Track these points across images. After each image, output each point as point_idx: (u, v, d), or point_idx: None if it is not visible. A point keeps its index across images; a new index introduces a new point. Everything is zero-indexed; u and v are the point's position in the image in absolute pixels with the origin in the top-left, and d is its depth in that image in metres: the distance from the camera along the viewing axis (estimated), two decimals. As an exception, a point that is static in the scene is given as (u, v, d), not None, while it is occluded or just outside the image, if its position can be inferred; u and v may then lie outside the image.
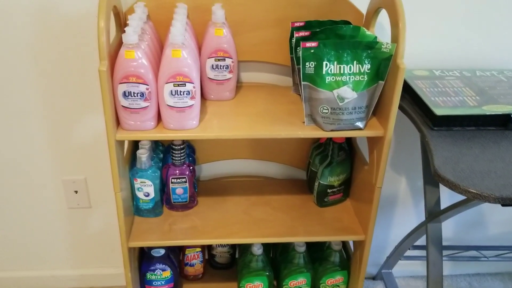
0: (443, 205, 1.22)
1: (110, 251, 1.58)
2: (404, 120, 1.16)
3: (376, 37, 1.06)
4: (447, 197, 1.31)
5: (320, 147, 1.32)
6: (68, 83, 1.28)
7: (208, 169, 1.43)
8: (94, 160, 1.39)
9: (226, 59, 1.13)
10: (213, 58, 1.12)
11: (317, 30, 1.08)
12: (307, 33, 1.08)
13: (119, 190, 1.07)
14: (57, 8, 1.18)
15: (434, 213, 1.21)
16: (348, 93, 1.02)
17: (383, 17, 1.09)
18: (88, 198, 1.47)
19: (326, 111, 1.03)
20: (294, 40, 1.10)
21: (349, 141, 1.31)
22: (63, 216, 1.50)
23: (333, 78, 1.01)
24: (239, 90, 1.24)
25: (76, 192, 1.45)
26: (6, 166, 1.40)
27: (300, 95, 1.18)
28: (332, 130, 1.05)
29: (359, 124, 1.06)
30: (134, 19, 1.01)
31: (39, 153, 1.38)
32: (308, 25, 1.13)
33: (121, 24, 1.11)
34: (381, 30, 1.20)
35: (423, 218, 1.26)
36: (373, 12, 1.13)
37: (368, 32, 1.08)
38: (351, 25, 1.10)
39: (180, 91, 0.99)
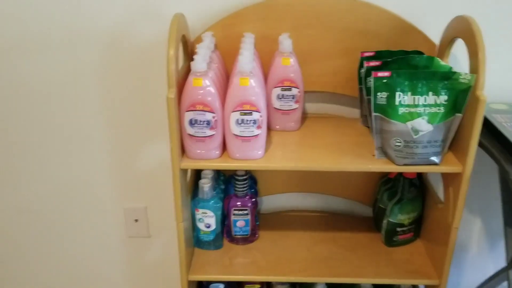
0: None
1: (167, 283, 1.56)
2: (477, 154, 1.08)
3: (451, 67, 1.00)
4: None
5: (389, 182, 1.25)
6: (134, 111, 1.29)
7: (270, 202, 1.39)
8: (155, 189, 1.39)
9: (293, 89, 1.11)
10: (279, 88, 1.10)
11: (389, 60, 1.04)
12: (378, 63, 1.04)
13: (182, 220, 1.05)
14: (128, 36, 1.20)
15: (517, 259, 1.11)
16: (423, 126, 0.96)
17: (457, 48, 1.03)
18: (148, 227, 1.46)
19: (399, 144, 0.97)
20: (363, 70, 1.06)
21: (420, 177, 1.23)
22: (123, 244, 1.50)
23: (406, 110, 0.96)
24: (304, 121, 1.20)
25: (136, 220, 1.45)
26: (69, 191, 1.42)
27: (368, 127, 1.13)
28: (405, 165, 0.99)
29: (435, 159, 0.99)
30: (203, 48, 1.02)
31: (102, 180, 1.39)
32: (378, 55, 1.09)
33: (189, 53, 1.12)
34: (454, 61, 1.14)
35: (500, 263, 1.15)
36: (448, 43, 1.07)
37: (442, 63, 1.03)
38: (425, 55, 1.05)
39: (247, 120, 0.97)
